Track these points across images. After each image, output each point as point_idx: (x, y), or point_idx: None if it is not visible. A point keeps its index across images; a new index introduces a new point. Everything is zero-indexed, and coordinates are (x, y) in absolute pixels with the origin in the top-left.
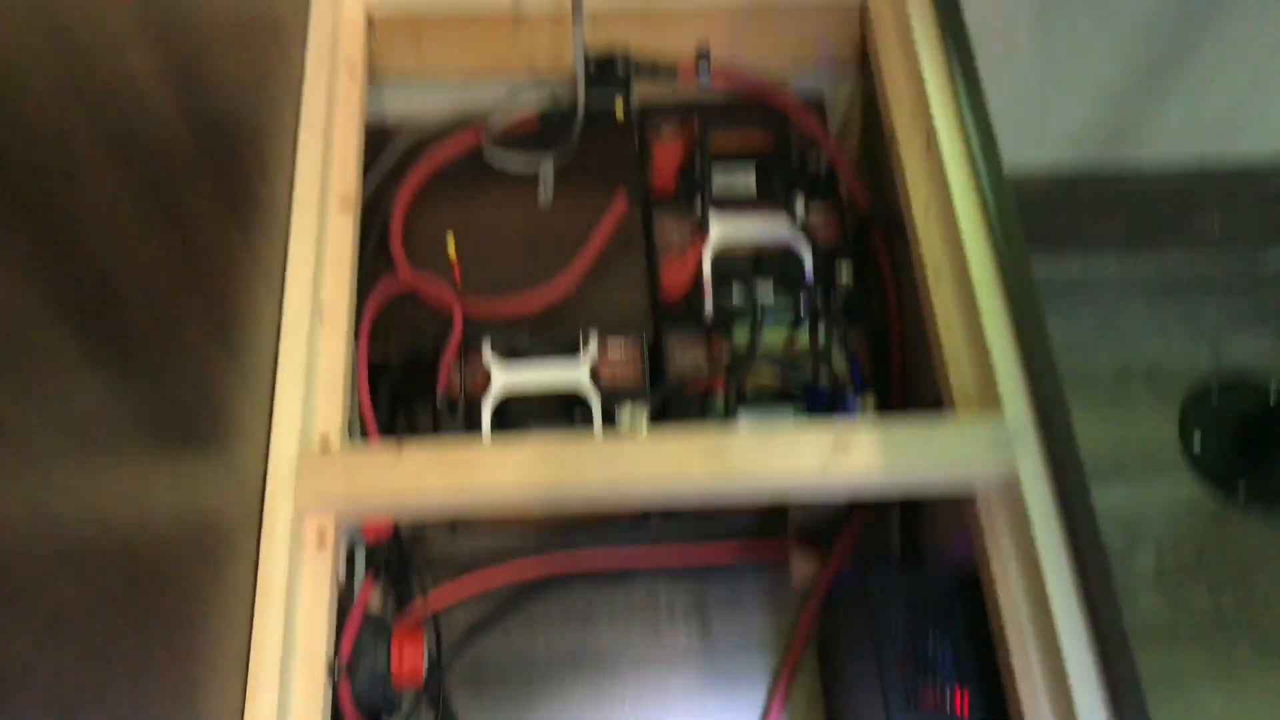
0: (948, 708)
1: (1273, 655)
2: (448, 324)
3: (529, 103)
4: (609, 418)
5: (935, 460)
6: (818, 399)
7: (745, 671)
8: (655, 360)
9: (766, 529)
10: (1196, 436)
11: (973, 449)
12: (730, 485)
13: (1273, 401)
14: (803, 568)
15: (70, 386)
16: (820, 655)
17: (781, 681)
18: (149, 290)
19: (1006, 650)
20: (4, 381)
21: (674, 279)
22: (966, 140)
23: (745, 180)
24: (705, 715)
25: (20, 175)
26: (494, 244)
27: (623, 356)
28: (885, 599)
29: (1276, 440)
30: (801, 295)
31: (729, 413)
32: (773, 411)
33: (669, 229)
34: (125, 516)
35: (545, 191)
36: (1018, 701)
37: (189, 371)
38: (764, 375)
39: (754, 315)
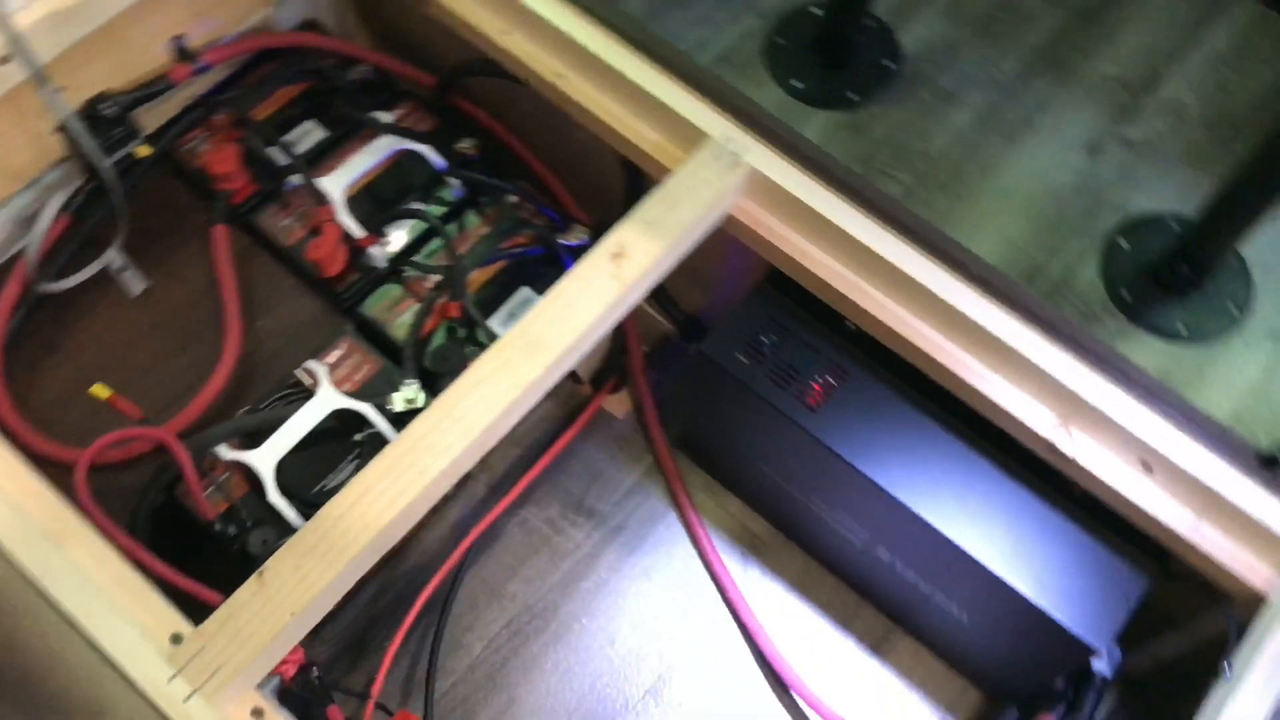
0: (835, 385)
1: None
2: (166, 461)
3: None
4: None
5: (697, 209)
6: (540, 259)
7: (646, 514)
8: (376, 340)
9: (567, 406)
10: (1124, 292)
11: (713, 177)
12: (564, 354)
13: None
14: (620, 403)
15: None
16: (695, 451)
17: (679, 496)
18: None
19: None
20: None
21: (327, 257)
22: None
23: (313, 130)
24: (655, 573)
25: None
26: (132, 362)
27: (350, 359)
28: (726, 352)
29: (1197, 272)
30: (446, 189)
31: (486, 326)
32: (516, 301)
33: (283, 220)
34: None
35: (132, 280)
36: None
37: None
38: (478, 274)
39: (442, 229)
